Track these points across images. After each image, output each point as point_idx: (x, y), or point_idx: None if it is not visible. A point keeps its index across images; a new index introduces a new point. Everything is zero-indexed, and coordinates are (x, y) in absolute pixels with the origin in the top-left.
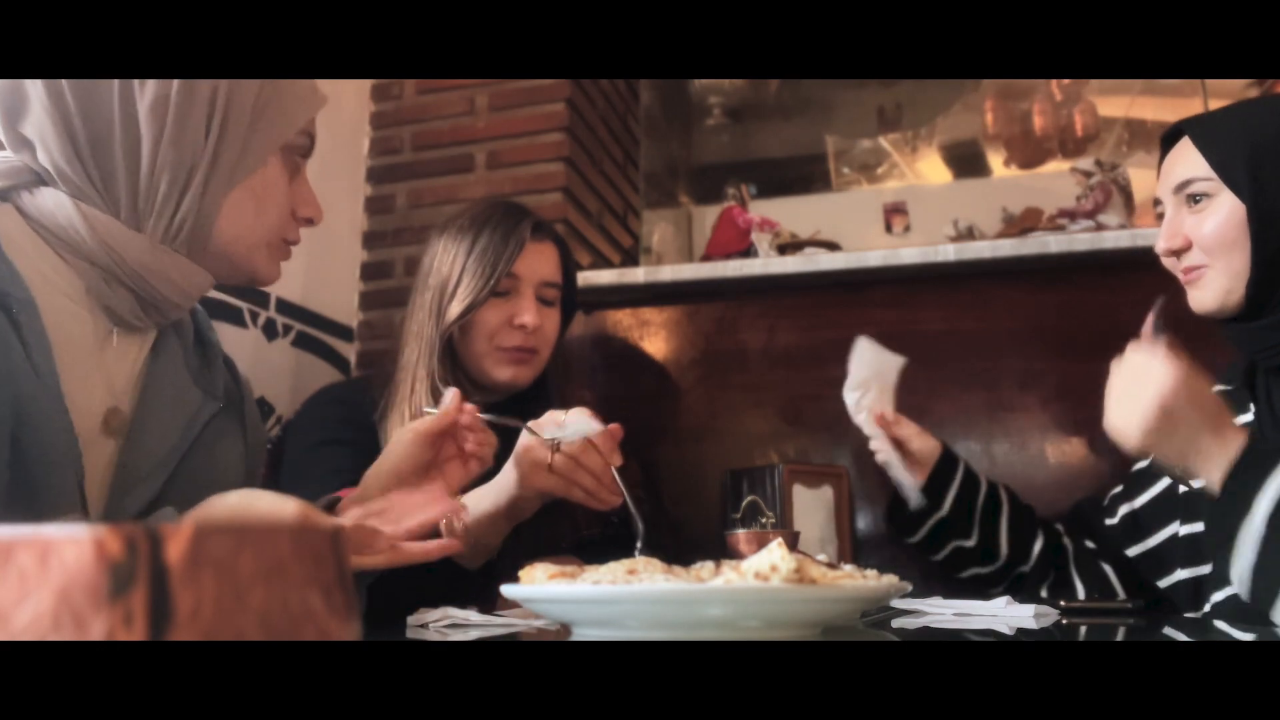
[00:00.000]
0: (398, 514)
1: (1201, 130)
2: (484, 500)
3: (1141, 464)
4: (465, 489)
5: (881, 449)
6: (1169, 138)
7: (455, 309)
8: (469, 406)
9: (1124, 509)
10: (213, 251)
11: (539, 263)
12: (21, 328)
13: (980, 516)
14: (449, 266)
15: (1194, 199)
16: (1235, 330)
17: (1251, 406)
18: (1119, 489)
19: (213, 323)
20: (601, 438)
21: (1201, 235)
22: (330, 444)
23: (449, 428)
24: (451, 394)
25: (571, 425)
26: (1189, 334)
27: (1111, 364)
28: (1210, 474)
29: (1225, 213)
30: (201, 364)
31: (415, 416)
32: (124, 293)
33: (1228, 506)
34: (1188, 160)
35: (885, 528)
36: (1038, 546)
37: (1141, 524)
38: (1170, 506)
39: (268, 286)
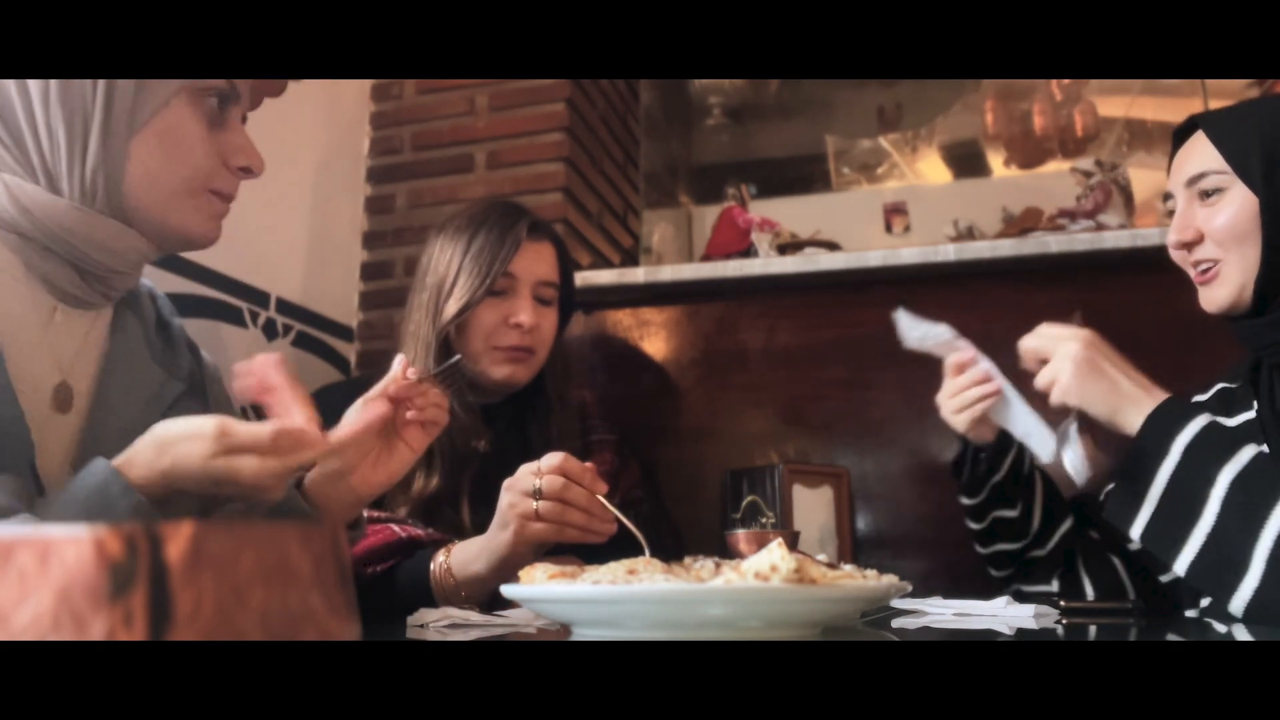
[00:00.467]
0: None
1: (1216, 124)
2: (476, 563)
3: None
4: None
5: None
6: (1182, 132)
7: (451, 308)
8: (412, 371)
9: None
10: (132, 207)
11: (536, 262)
12: None
13: (1023, 487)
14: (445, 266)
15: (1206, 193)
16: (1242, 327)
17: (1254, 404)
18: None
19: (214, 323)
20: (580, 473)
21: (1214, 228)
22: None
23: (396, 394)
24: (398, 361)
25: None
26: (1189, 337)
27: (1019, 342)
28: (1135, 419)
29: (1238, 205)
30: (164, 345)
31: None
32: (60, 264)
33: (1147, 447)
34: (1201, 153)
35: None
36: (1062, 530)
37: None
38: None
39: (205, 247)
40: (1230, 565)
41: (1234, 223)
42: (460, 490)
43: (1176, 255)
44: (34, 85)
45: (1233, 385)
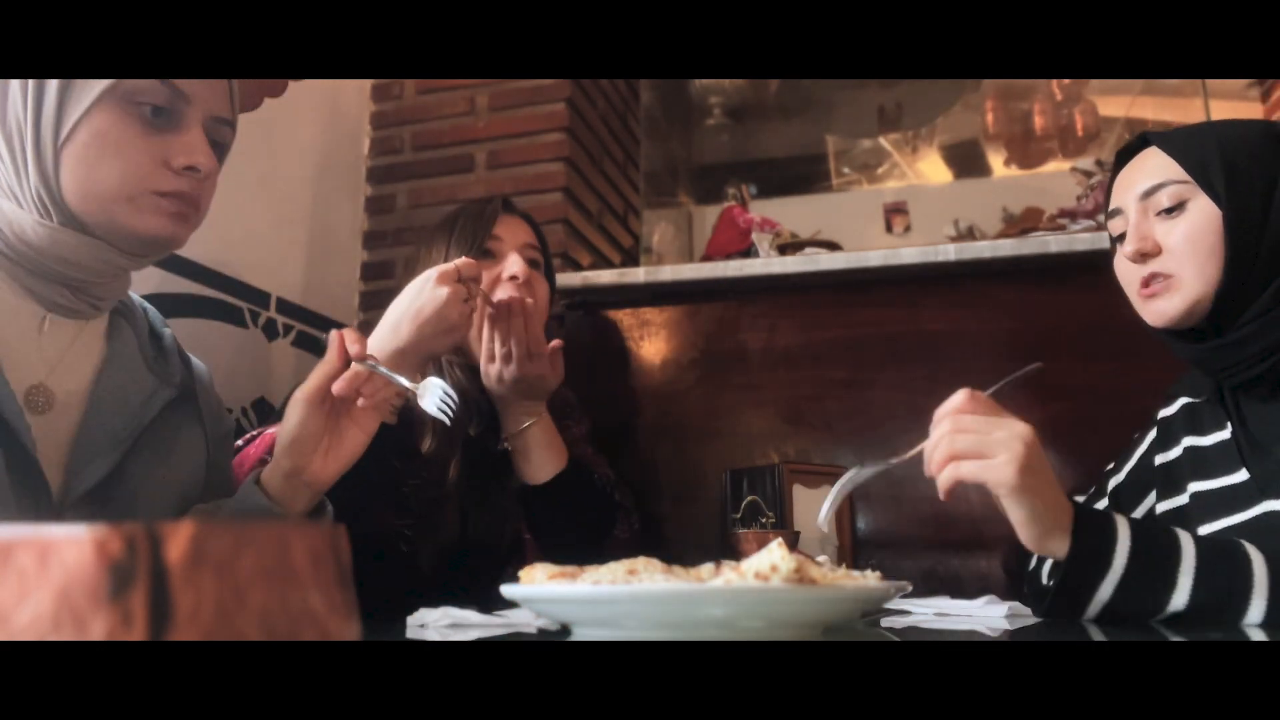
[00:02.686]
0: None
1: (1170, 139)
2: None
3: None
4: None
5: None
6: (1128, 151)
7: None
8: (353, 338)
9: (1112, 484)
10: (77, 214)
11: (517, 229)
12: None
13: None
14: (432, 258)
15: (1167, 207)
16: (1194, 350)
17: (1228, 425)
18: (1109, 466)
19: (214, 323)
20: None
21: (1174, 241)
22: None
23: (337, 380)
24: (331, 341)
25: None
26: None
27: (936, 412)
28: (1061, 542)
29: (1200, 218)
30: (156, 354)
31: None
32: (44, 278)
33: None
34: (1156, 167)
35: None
36: None
37: (1123, 500)
38: (1146, 478)
39: (173, 246)
40: (1230, 601)
41: (1196, 235)
42: (449, 457)
43: (1127, 269)
44: None
45: (1197, 400)
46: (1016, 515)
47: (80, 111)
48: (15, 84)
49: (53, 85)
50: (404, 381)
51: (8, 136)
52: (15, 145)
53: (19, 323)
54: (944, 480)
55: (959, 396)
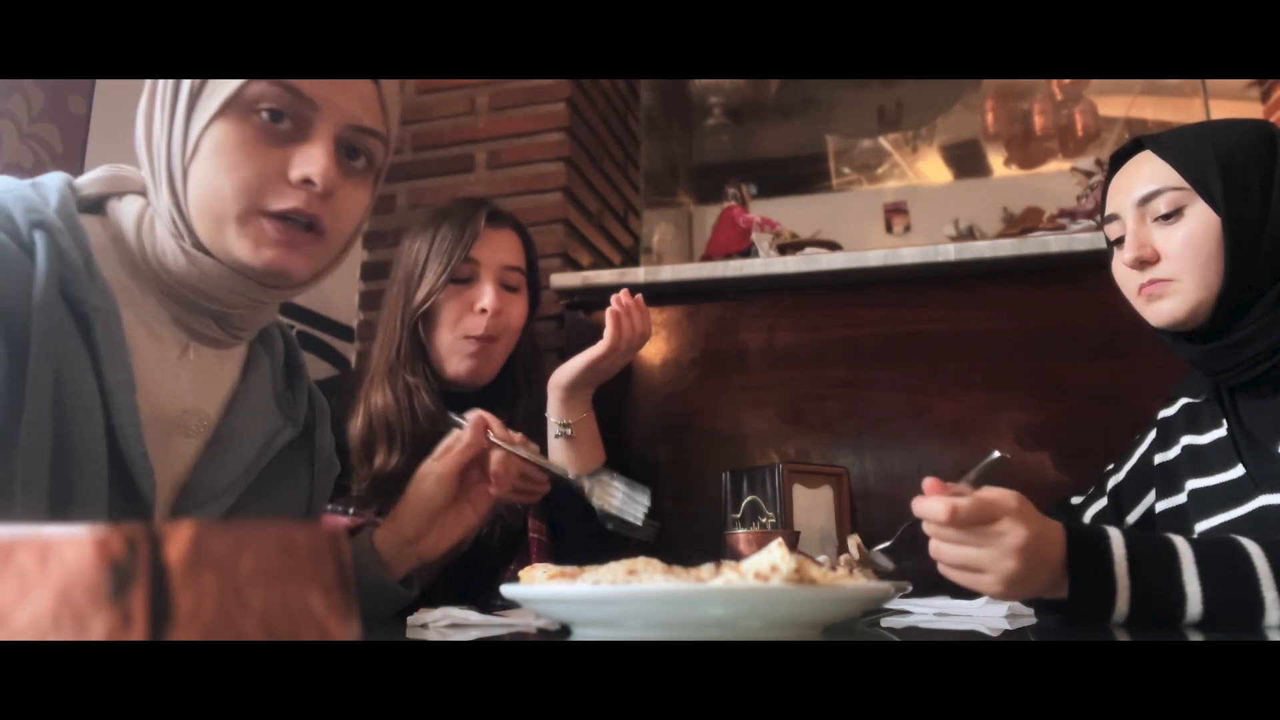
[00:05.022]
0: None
1: (1166, 144)
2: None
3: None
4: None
5: None
6: (1122, 155)
7: (419, 296)
8: (495, 423)
9: (1111, 484)
10: (200, 238)
11: (498, 247)
12: (95, 335)
13: None
14: (413, 260)
15: (1164, 213)
16: (1195, 351)
17: (1224, 423)
18: (1110, 466)
19: None
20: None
21: (1173, 247)
22: None
23: (473, 459)
24: (472, 423)
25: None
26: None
27: (914, 506)
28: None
29: (1198, 224)
30: (286, 387)
31: (373, 411)
32: (188, 307)
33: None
34: (1152, 173)
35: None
36: None
37: (1123, 500)
38: (1145, 478)
39: (289, 284)
40: (1245, 612)
41: (1195, 241)
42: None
43: (1126, 275)
44: (139, 123)
45: (1197, 400)
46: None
47: (205, 121)
48: (157, 98)
49: (184, 95)
50: (564, 473)
51: (150, 152)
52: (157, 161)
53: (161, 350)
54: (945, 574)
55: (936, 509)
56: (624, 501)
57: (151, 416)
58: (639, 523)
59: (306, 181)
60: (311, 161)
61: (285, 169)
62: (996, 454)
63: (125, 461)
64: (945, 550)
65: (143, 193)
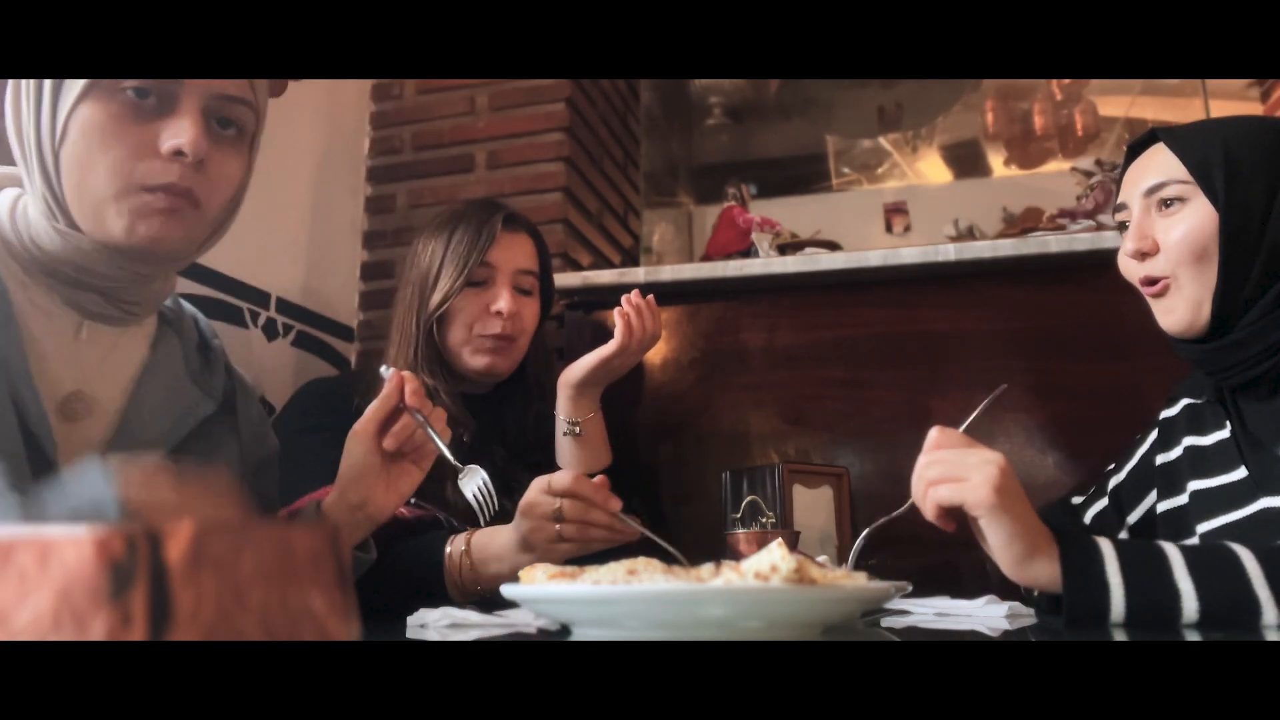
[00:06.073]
0: None
1: (1178, 136)
2: (498, 564)
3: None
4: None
5: None
6: (1138, 146)
7: (435, 300)
8: (411, 388)
9: (1112, 484)
10: (76, 220)
11: (514, 251)
12: None
13: None
14: (428, 262)
15: (1166, 203)
16: (1195, 351)
17: (1227, 424)
18: (1110, 466)
19: (214, 323)
20: (592, 492)
21: (1170, 241)
22: (308, 432)
23: (392, 414)
24: (390, 379)
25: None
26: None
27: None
28: (1048, 563)
29: (1197, 219)
30: (202, 366)
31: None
32: (72, 285)
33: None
34: (1161, 164)
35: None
36: None
37: (1123, 500)
38: (1146, 479)
39: (167, 252)
40: (1241, 611)
41: (1192, 236)
42: (444, 474)
43: (1128, 265)
44: (8, 113)
45: (1198, 401)
46: (995, 538)
47: (69, 105)
48: (22, 84)
49: (47, 81)
50: (449, 455)
51: (20, 139)
52: (27, 148)
53: (55, 330)
54: (927, 508)
55: (930, 434)
56: (478, 499)
57: (51, 394)
58: (482, 523)
59: (178, 153)
60: (181, 133)
61: (156, 143)
62: (1004, 386)
63: (34, 436)
64: (932, 469)
65: (19, 184)
